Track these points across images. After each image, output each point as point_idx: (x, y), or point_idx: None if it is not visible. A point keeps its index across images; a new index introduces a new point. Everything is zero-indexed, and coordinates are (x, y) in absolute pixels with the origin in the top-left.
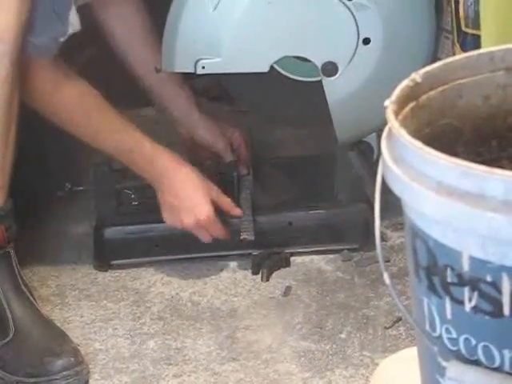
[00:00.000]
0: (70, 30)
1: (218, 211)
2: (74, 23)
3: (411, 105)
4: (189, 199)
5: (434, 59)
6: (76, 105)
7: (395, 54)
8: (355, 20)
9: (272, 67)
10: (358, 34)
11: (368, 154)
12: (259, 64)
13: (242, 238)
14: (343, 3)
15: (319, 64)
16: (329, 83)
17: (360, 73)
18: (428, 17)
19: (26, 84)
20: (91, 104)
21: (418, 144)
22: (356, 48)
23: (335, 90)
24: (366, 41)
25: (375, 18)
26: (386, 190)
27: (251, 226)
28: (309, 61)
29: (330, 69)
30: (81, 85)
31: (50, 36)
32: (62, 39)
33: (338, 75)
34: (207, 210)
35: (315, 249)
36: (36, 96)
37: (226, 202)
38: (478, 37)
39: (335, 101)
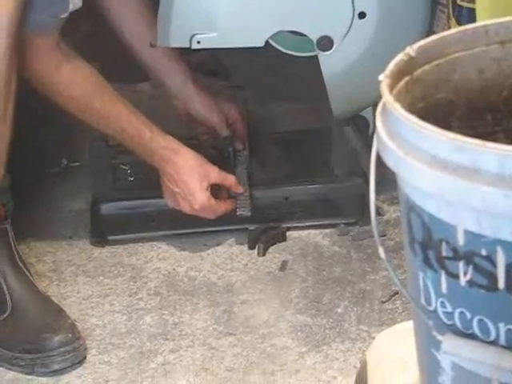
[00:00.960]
0: (71, 7)
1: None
2: (75, 0)
3: (406, 79)
4: (184, 187)
5: (430, 33)
6: (77, 86)
7: (390, 28)
8: None
9: (267, 42)
10: (354, 8)
11: (364, 129)
12: (254, 39)
13: (238, 213)
14: None
15: (314, 38)
16: (324, 58)
17: (355, 47)
18: None
19: (27, 61)
20: (94, 88)
21: (413, 118)
22: (351, 22)
23: (331, 64)
24: (362, 15)
25: None
26: (382, 164)
27: (248, 202)
28: (304, 35)
29: (326, 43)
30: (83, 66)
31: (51, 13)
32: (63, 16)
33: (333, 50)
34: (201, 198)
35: (311, 223)
36: (37, 74)
37: (229, 181)
38: (474, 10)
39: (331, 75)
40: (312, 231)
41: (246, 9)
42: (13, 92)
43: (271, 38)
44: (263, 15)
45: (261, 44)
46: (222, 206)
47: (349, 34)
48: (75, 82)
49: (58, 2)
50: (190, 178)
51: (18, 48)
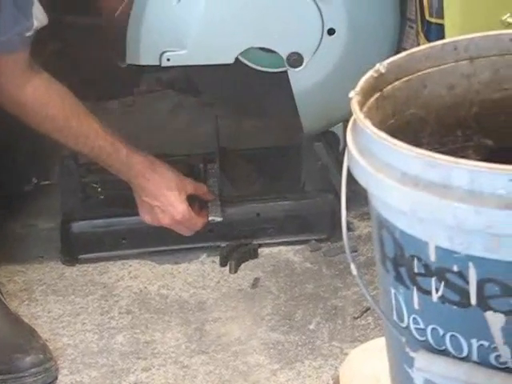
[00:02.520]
0: (36, 24)
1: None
2: (39, 17)
3: (376, 95)
4: (164, 199)
5: (399, 49)
6: (54, 106)
7: (360, 45)
8: (320, 11)
9: (237, 59)
10: (323, 24)
11: (334, 145)
12: (224, 55)
13: (210, 219)
14: None
15: (284, 55)
16: (294, 74)
17: (325, 63)
18: (392, 7)
19: None
20: (70, 107)
21: (383, 135)
22: (321, 39)
23: (301, 80)
24: (331, 31)
25: (340, 8)
26: (353, 179)
27: (218, 208)
28: (274, 52)
29: (296, 59)
30: (57, 85)
31: (16, 31)
32: (28, 34)
33: (303, 66)
34: (182, 209)
35: (283, 240)
36: (8, 93)
37: (202, 189)
38: (442, 26)
39: (301, 91)
40: (283, 248)
41: (216, 26)
42: None
43: (241, 54)
44: (233, 32)
45: (231, 61)
46: (199, 218)
47: (318, 50)
48: (51, 102)
49: (21, 20)
50: (169, 190)
51: None
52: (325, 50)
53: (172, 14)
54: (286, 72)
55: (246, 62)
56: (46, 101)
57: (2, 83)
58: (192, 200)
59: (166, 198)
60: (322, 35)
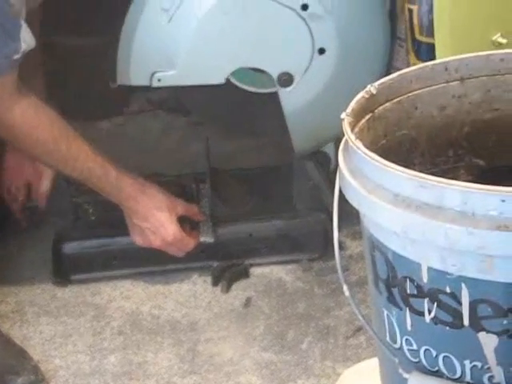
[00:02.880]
0: (24, 47)
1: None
2: (27, 40)
3: (367, 117)
4: (155, 221)
5: (389, 67)
6: (44, 129)
7: (350, 64)
8: (310, 30)
9: (228, 79)
10: (313, 44)
11: (325, 164)
12: (215, 76)
13: (201, 240)
14: (298, 14)
15: (275, 75)
16: (285, 94)
17: (316, 83)
18: (383, 26)
19: None
20: (59, 131)
21: (375, 156)
22: (311, 58)
23: (291, 100)
24: (321, 51)
25: (330, 28)
26: (344, 198)
27: (210, 229)
28: (264, 72)
29: (286, 79)
30: (46, 108)
31: (3, 54)
32: (16, 57)
33: (293, 85)
34: (173, 230)
35: (275, 259)
36: None
37: (193, 210)
38: (433, 45)
39: (291, 111)
40: (275, 267)
41: (206, 46)
42: None
43: (231, 74)
44: (223, 52)
45: (221, 81)
46: (190, 239)
47: (309, 70)
48: (41, 125)
49: (8, 42)
50: (160, 212)
51: None
52: (315, 70)
53: (162, 33)
54: (276, 92)
55: (236, 82)
56: (35, 124)
57: None
58: (183, 221)
59: (157, 220)
60: (313, 55)
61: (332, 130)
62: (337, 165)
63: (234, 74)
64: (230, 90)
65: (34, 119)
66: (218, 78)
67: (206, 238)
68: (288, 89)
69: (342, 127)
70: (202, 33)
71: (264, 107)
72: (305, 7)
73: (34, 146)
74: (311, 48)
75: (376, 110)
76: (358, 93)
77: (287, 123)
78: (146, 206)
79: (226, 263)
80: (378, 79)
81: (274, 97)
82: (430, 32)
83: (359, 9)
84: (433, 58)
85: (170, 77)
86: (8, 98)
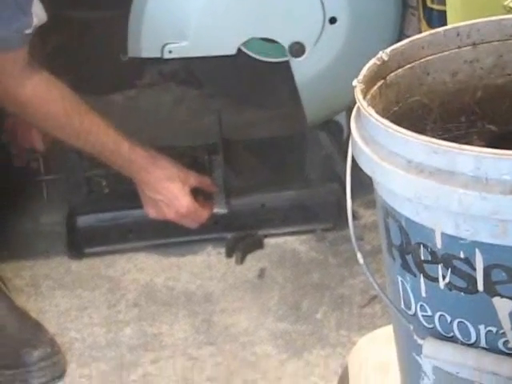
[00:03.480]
0: (36, 21)
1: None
2: (39, 14)
3: (379, 83)
4: (168, 193)
5: (401, 36)
6: (55, 103)
7: (362, 33)
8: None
9: (239, 49)
10: (324, 13)
11: (338, 134)
12: (226, 47)
13: (214, 211)
14: None
15: (286, 45)
16: (296, 63)
17: (327, 52)
18: None
19: None
20: (71, 104)
21: (387, 123)
22: (322, 27)
23: (303, 70)
24: (333, 20)
25: None
26: (357, 168)
27: (223, 200)
28: (276, 42)
29: (298, 49)
30: (56, 82)
31: (15, 28)
32: (27, 31)
33: (305, 55)
34: (187, 201)
35: (288, 230)
36: (7, 91)
37: (206, 182)
38: (444, 12)
39: (303, 81)
40: (289, 238)
41: (217, 17)
42: None
43: (243, 45)
44: (234, 23)
45: (233, 52)
46: (204, 210)
47: (320, 39)
48: (52, 99)
49: (21, 16)
50: (173, 184)
51: None
52: (327, 39)
53: (173, 5)
54: (288, 62)
55: (248, 52)
56: (47, 98)
57: (1, 81)
58: (196, 192)
59: (170, 192)
60: (324, 24)
61: (344, 99)
62: (349, 134)
63: (245, 44)
64: (241, 61)
65: (46, 93)
66: (229, 49)
67: (220, 209)
68: (300, 58)
69: (353, 96)
70: (213, 3)
71: (276, 77)
72: None
73: (46, 120)
74: (322, 17)
75: (388, 77)
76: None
77: (299, 93)
78: (159, 177)
79: (239, 234)
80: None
81: (286, 67)
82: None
83: None
84: (444, 25)
85: (181, 48)
86: (19, 72)
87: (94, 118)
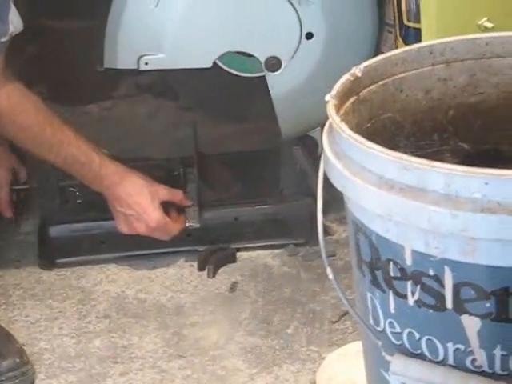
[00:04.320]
0: (12, 29)
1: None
2: (15, 23)
3: (352, 99)
4: (138, 207)
5: (377, 53)
6: (29, 114)
7: (338, 49)
8: (298, 15)
9: (215, 63)
10: (301, 28)
11: (312, 149)
12: (202, 60)
13: (187, 225)
14: None
15: (262, 59)
16: (272, 78)
17: (303, 67)
18: (370, 11)
19: None
20: (44, 116)
21: (359, 138)
22: (299, 43)
23: (279, 84)
24: (309, 35)
25: (318, 12)
26: (331, 184)
27: (196, 214)
28: (252, 56)
29: (274, 64)
30: (29, 93)
31: None
32: (3, 39)
33: (281, 70)
34: (156, 215)
35: (261, 244)
36: None
37: (178, 196)
38: (420, 30)
39: (279, 96)
40: (262, 252)
41: (193, 30)
42: None
43: (219, 58)
44: (210, 36)
45: (209, 65)
46: (176, 224)
47: (296, 54)
48: (26, 110)
49: None
50: (142, 198)
51: None
52: (303, 54)
53: (150, 17)
54: (263, 76)
55: (223, 66)
56: (20, 109)
57: None
58: (170, 206)
59: (140, 206)
60: (300, 39)
61: (319, 115)
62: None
63: (221, 57)
64: (217, 75)
65: (20, 104)
66: (205, 62)
67: (193, 223)
68: (276, 73)
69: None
70: (189, 16)
71: (251, 92)
72: None
73: (18, 131)
74: (299, 32)
75: (361, 93)
76: None
77: (275, 108)
78: (129, 192)
79: (212, 247)
80: None
81: (262, 81)
82: (418, 17)
83: None
84: (420, 42)
85: (157, 60)
86: None
87: (66, 131)
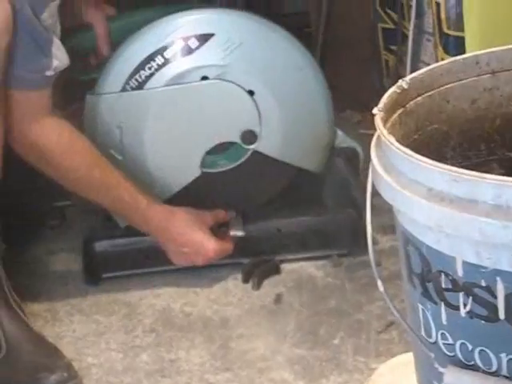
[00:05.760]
0: (56, 63)
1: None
2: (60, 57)
3: (399, 111)
4: (192, 244)
5: (418, 62)
6: (78, 155)
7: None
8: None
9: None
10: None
11: (354, 159)
12: (186, 177)
13: (231, 234)
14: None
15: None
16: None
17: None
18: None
19: (13, 120)
20: (91, 157)
21: (408, 151)
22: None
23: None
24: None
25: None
26: (374, 192)
27: (240, 222)
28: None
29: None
30: (78, 134)
31: (33, 68)
32: (48, 73)
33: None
34: (212, 245)
35: (305, 255)
36: (13, 132)
37: (221, 215)
38: (460, 38)
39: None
40: (305, 263)
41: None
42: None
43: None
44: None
45: (196, 175)
46: (228, 244)
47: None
48: (76, 151)
49: (40, 57)
50: (194, 234)
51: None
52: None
53: (121, 168)
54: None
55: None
56: (71, 150)
57: (23, 126)
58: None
59: (194, 242)
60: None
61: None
62: (365, 160)
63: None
64: None
65: (69, 145)
66: (190, 176)
67: (237, 232)
68: (254, 145)
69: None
70: (154, 160)
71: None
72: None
73: (68, 171)
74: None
75: (407, 105)
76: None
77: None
78: (179, 229)
79: (256, 260)
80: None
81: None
82: (458, 25)
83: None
84: (461, 51)
85: None
86: (43, 118)
87: (113, 172)
